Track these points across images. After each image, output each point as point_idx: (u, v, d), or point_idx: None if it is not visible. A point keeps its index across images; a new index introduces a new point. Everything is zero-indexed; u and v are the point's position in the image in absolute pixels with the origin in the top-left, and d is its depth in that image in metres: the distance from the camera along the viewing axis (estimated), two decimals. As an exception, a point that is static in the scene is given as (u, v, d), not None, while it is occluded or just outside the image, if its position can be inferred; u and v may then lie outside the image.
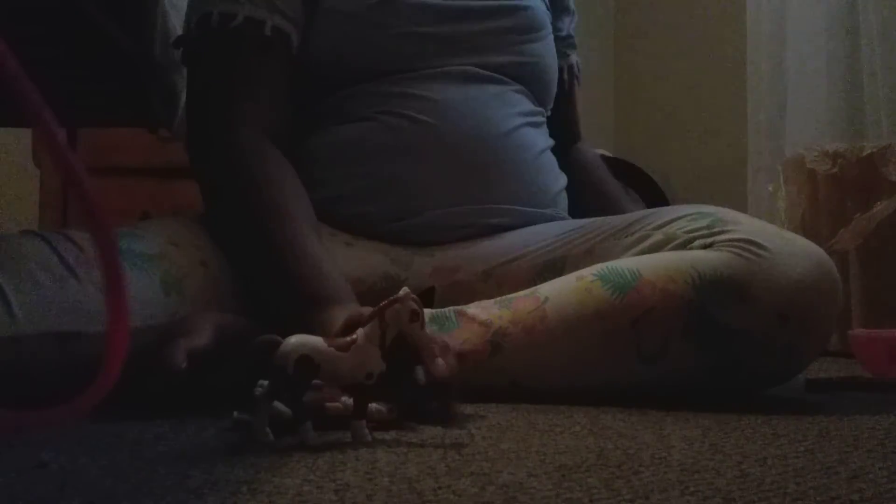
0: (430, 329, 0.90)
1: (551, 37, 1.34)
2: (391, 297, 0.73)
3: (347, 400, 0.76)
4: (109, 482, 0.59)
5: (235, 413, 0.76)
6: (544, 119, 1.31)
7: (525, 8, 1.28)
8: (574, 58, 1.44)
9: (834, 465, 0.64)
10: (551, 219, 1.22)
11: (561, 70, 1.38)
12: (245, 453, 0.67)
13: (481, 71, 1.22)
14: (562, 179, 1.29)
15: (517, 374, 0.99)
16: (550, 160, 1.28)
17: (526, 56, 1.27)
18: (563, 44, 1.40)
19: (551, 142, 1.30)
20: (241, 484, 0.57)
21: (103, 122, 1.78)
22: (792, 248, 0.96)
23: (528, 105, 1.26)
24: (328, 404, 0.77)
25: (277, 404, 0.73)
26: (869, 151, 1.93)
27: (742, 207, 2.43)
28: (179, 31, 1.22)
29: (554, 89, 1.34)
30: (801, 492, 0.56)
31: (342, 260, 1.12)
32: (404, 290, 0.74)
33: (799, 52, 2.49)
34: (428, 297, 1.08)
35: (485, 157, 1.18)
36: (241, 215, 1.06)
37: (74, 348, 0.88)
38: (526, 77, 1.26)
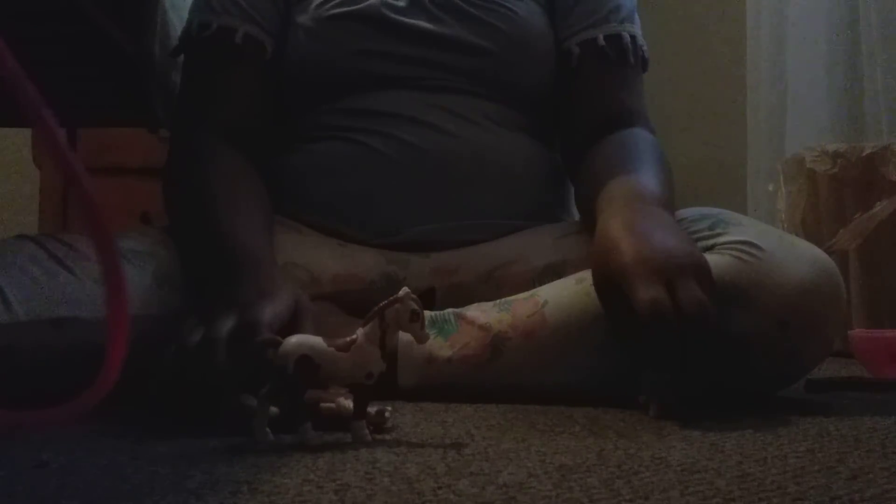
0: (429, 331, 0.90)
1: (531, 34, 1.23)
2: (391, 297, 0.73)
3: (345, 401, 0.76)
4: (109, 482, 0.59)
5: (241, 399, 0.76)
6: (529, 122, 1.23)
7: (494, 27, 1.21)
8: (597, 32, 1.21)
9: (834, 465, 0.64)
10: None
11: (568, 53, 1.22)
12: (245, 453, 0.67)
13: (446, 83, 1.19)
14: (559, 183, 1.26)
15: (517, 378, 0.99)
16: (540, 165, 1.23)
17: (489, 61, 1.20)
18: (577, 22, 1.22)
19: (539, 145, 1.24)
20: (241, 484, 0.57)
21: (103, 122, 1.77)
22: (793, 253, 0.96)
23: (502, 111, 1.20)
24: (322, 404, 0.77)
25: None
26: (869, 151, 1.93)
27: (742, 207, 2.43)
28: (179, 32, 1.23)
29: (532, 89, 1.23)
30: (801, 492, 0.56)
31: (337, 258, 1.12)
32: (404, 290, 0.73)
33: (799, 53, 2.49)
34: (428, 297, 1.08)
35: (458, 171, 1.15)
36: (178, 210, 1.09)
37: (71, 333, 0.90)
38: (490, 81, 1.20)
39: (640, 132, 1.16)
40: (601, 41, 1.20)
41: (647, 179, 1.01)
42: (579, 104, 1.21)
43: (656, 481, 0.58)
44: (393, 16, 1.20)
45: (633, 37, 1.22)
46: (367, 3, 1.20)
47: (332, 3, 1.20)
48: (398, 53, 1.19)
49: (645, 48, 1.24)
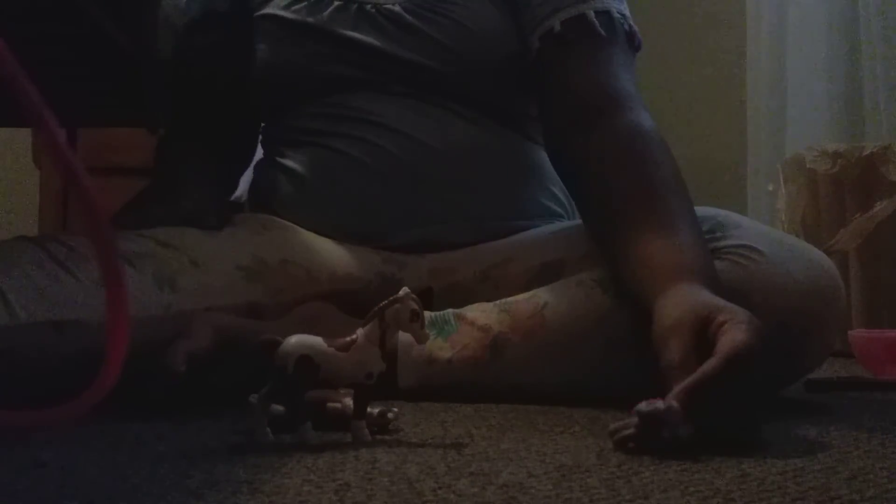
0: (429, 332, 0.90)
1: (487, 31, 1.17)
2: (391, 297, 0.73)
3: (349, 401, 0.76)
4: (109, 482, 0.59)
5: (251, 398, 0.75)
6: (506, 120, 1.20)
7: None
8: (554, 20, 1.11)
9: (834, 465, 0.64)
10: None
11: (530, 49, 1.13)
12: (245, 453, 0.67)
13: (409, 90, 1.17)
14: (550, 180, 1.22)
15: (517, 379, 0.98)
16: (524, 162, 1.21)
17: (452, 63, 1.16)
18: (537, 14, 1.13)
19: (523, 141, 1.22)
20: (241, 484, 0.57)
21: (103, 122, 1.78)
22: (793, 255, 0.96)
23: (473, 114, 1.18)
24: (329, 404, 0.77)
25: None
26: (869, 151, 1.93)
27: (742, 207, 2.43)
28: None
29: (499, 94, 1.19)
30: (801, 492, 0.56)
31: (334, 258, 1.12)
32: (404, 290, 0.73)
33: (799, 53, 2.49)
34: (427, 297, 1.08)
35: (441, 174, 1.14)
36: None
37: (72, 336, 0.90)
38: (450, 93, 1.17)
39: (636, 121, 1.03)
40: (557, 27, 1.10)
41: (690, 248, 0.90)
42: (549, 98, 1.12)
43: (656, 481, 0.58)
44: (341, 31, 1.18)
45: (604, 12, 1.11)
46: (316, 16, 1.19)
47: (285, 4, 1.21)
48: (352, 60, 1.18)
49: (627, 23, 1.13)
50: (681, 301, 0.80)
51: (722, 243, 0.96)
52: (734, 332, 0.73)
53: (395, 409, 0.79)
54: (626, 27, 1.13)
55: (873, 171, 1.92)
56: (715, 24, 2.80)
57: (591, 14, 1.10)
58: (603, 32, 1.10)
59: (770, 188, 2.25)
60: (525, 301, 1.01)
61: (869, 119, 2.38)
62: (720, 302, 0.79)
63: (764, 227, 1.02)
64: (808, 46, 2.47)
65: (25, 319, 0.88)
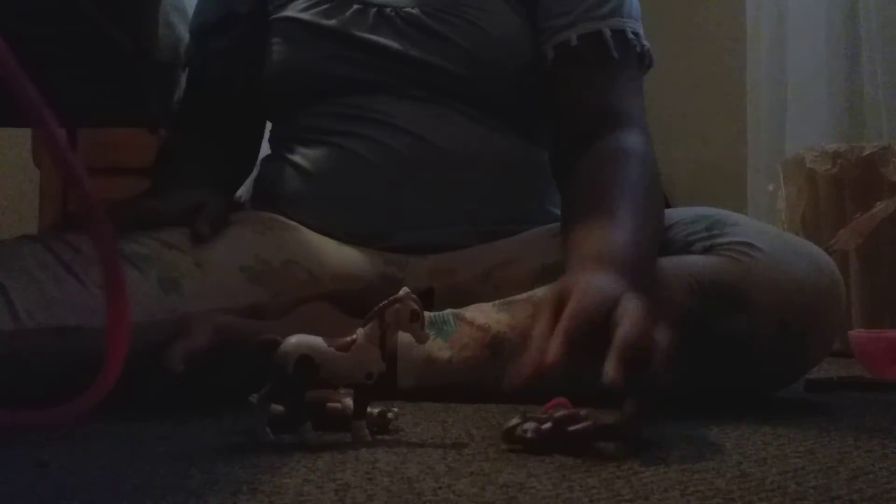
0: (428, 332, 0.90)
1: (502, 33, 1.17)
2: (392, 297, 0.73)
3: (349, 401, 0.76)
4: (109, 482, 0.59)
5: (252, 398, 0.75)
6: (516, 123, 1.20)
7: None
8: (572, 32, 1.12)
9: (834, 465, 0.64)
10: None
11: (544, 57, 1.14)
12: (245, 453, 0.67)
13: (422, 93, 1.16)
14: (549, 186, 1.22)
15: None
16: (530, 165, 1.21)
17: (470, 67, 1.16)
18: (554, 24, 1.14)
19: (529, 145, 1.21)
20: (241, 484, 0.57)
21: (103, 122, 1.78)
22: (791, 251, 0.96)
23: (484, 117, 1.17)
24: (329, 404, 0.77)
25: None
26: (869, 151, 1.94)
27: (742, 207, 2.43)
28: (183, 33, 1.24)
29: (512, 100, 1.18)
30: (801, 492, 0.56)
31: (336, 258, 1.12)
32: (405, 290, 0.74)
33: (799, 53, 2.49)
34: (427, 297, 1.08)
35: (450, 178, 1.14)
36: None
37: (75, 342, 0.89)
38: (464, 96, 1.17)
39: (625, 140, 1.06)
40: (573, 41, 1.11)
41: (619, 237, 0.91)
42: (558, 112, 1.14)
43: (656, 481, 0.58)
44: (359, 34, 1.18)
45: (619, 31, 1.12)
46: (336, 19, 1.19)
47: (304, 7, 1.21)
48: (369, 62, 1.18)
49: (640, 43, 1.14)
50: (571, 280, 0.80)
51: (720, 240, 0.96)
52: (622, 325, 0.75)
53: (395, 409, 0.79)
54: (639, 48, 1.14)
55: (873, 171, 1.92)
56: (715, 24, 2.80)
57: (608, 32, 1.11)
58: (615, 54, 1.11)
59: (770, 188, 2.25)
60: (524, 300, 1.01)
61: (869, 119, 2.38)
62: (618, 290, 0.77)
63: (762, 225, 1.02)
64: (808, 46, 2.47)
65: (30, 325, 0.88)
